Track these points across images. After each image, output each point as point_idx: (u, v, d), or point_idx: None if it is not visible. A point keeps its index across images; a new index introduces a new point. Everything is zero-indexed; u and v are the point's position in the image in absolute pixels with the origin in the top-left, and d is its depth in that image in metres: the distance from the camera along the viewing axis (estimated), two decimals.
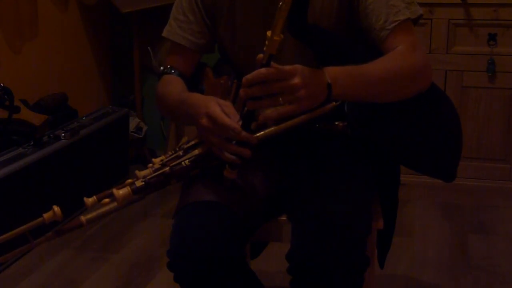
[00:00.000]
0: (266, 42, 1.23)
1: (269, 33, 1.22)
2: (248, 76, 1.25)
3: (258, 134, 1.37)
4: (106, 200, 1.34)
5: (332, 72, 1.31)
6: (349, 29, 1.53)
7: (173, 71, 1.60)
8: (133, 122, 3.55)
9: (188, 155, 1.40)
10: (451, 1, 3.06)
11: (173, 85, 1.56)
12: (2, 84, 2.61)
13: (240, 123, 1.33)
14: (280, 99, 1.25)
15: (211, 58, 1.71)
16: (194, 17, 1.60)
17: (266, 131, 1.39)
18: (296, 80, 1.24)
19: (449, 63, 3.13)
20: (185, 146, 1.42)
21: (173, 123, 3.24)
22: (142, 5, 3.39)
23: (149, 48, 3.12)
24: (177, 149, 1.42)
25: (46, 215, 1.30)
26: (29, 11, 3.09)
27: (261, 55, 1.24)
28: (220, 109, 1.34)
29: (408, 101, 1.44)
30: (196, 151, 1.40)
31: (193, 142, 1.42)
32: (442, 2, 3.07)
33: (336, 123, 1.53)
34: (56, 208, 1.30)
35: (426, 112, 1.54)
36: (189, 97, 1.45)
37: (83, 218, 1.33)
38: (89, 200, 1.33)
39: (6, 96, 2.61)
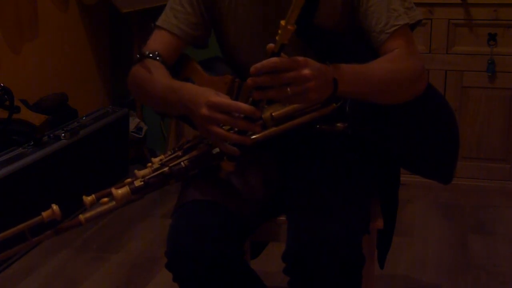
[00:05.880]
0: (279, 31, 1.20)
1: (283, 22, 1.20)
2: (257, 65, 1.22)
3: (258, 135, 1.37)
4: (105, 199, 1.34)
5: (338, 68, 1.31)
6: (350, 29, 1.53)
7: (158, 58, 1.54)
8: (133, 122, 3.55)
9: (187, 156, 1.39)
10: (451, 1, 3.06)
11: (159, 72, 1.51)
12: (2, 84, 2.61)
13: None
14: (288, 89, 1.22)
15: (194, 54, 1.68)
16: (192, 9, 1.57)
17: (266, 131, 1.39)
18: (307, 71, 1.22)
19: (449, 63, 3.12)
20: (185, 146, 1.42)
21: (173, 123, 3.24)
22: (142, 5, 3.39)
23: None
24: (176, 149, 1.42)
25: (45, 214, 1.31)
26: (29, 11, 3.09)
27: (271, 45, 1.22)
28: (220, 97, 1.33)
29: (407, 104, 1.45)
30: (195, 152, 1.40)
31: (192, 143, 1.42)
32: (442, 2, 3.07)
33: (337, 124, 1.52)
34: (55, 207, 1.30)
35: (425, 114, 1.55)
36: (183, 87, 1.42)
37: (81, 217, 1.33)
38: (87, 199, 1.33)
39: (6, 96, 2.61)
